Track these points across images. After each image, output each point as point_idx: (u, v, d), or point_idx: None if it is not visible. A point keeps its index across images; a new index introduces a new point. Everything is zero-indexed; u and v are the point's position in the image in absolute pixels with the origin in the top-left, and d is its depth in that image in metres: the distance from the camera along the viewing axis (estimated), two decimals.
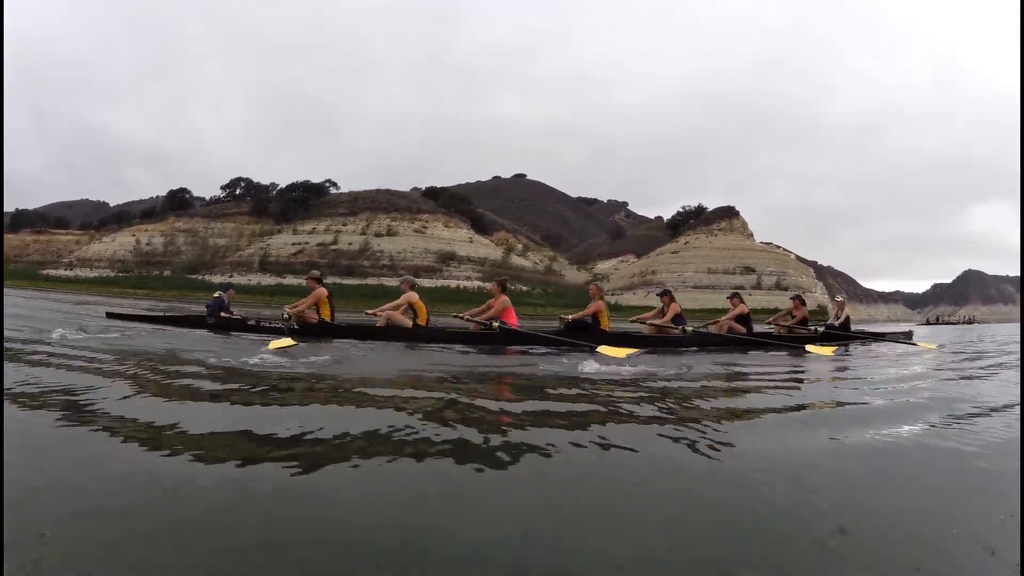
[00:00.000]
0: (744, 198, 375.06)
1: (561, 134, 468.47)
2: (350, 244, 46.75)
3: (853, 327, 10.19)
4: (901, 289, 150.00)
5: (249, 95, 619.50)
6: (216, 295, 7.98)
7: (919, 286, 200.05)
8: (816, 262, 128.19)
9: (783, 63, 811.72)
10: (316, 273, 7.44)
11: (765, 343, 7.60)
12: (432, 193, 56.96)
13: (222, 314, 7.51)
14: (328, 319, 6.98)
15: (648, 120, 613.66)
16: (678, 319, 7.43)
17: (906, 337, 9.47)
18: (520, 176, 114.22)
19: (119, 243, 57.37)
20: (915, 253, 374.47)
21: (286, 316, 6.78)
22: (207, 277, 47.46)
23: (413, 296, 6.89)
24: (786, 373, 4.83)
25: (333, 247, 46.65)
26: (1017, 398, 3.19)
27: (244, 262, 48.05)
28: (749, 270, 56.37)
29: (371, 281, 42.06)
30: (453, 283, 42.73)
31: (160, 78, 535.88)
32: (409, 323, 6.78)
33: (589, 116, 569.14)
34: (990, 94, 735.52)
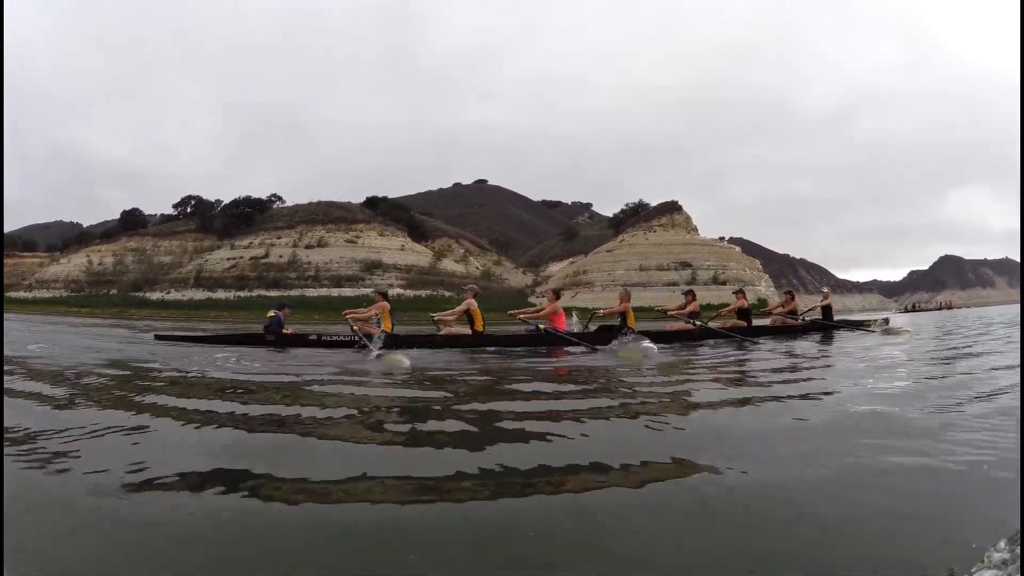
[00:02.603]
0: (716, 193, 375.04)
1: (528, 137, 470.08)
2: (280, 257, 48.27)
3: (836, 317, 11.60)
4: (878, 278, 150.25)
5: (218, 106, 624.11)
6: (272, 313, 7.82)
7: (896, 274, 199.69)
8: (788, 255, 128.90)
9: (753, 53, 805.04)
10: (383, 288, 7.96)
11: (761, 333, 9.00)
12: (372, 202, 58.44)
13: (283, 331, 7.56)
14: (390, 330, 7.28)
15: (617, 119, 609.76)
16: (693, 315, 8.89)
17: (884, 323, 10.99)
18: (481, 182, 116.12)
19: (74, 264, 59.25)
20: (892, 242, 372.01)
21: (354, 328, 7.05)
22: (147, 294, 49.19)
23: (472, 304, 7.46)
24: (783, 359, 5.70)
25: (264, 260, 48.15)
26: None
27: (182, 278, 49.67)
28: (685, 265, 57.00)
29: (294, 292, 43.49)
30: (372, 291, 44.00)
31: (129, 93, 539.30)
32: (468, 330, 7.43)
33: (556, 117, 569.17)
34: (960, 71, 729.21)
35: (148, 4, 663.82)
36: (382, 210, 57.36)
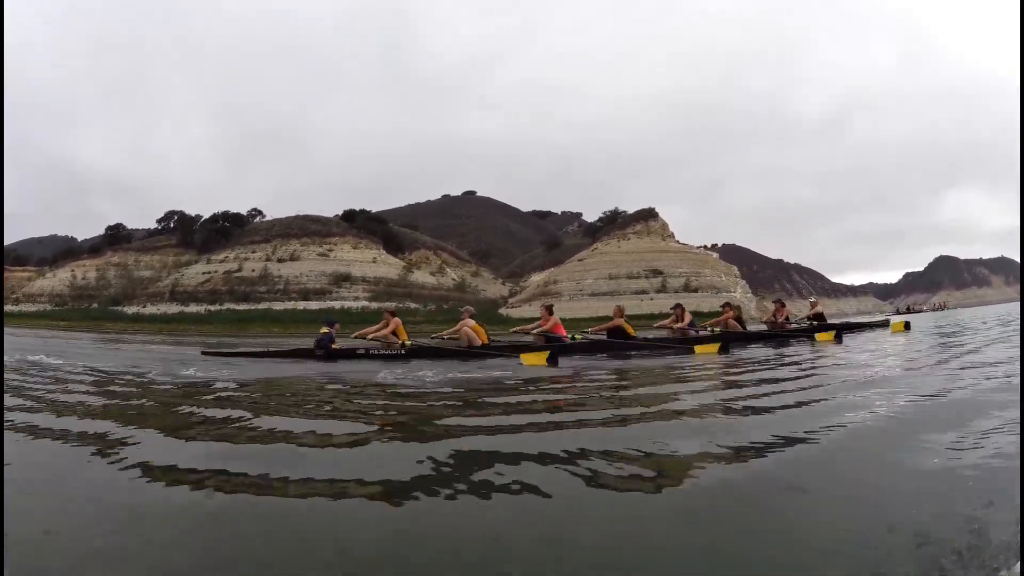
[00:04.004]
0: (712, 199, 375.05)
1: (522, 146, 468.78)
2: (252, 271, 49.12)
3: (829, 321, 12.29)
4: (873, 281, 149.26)
5: (215, 113, 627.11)
6: (325, 331, 8.09)
7: (891, 277, 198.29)
8: (781, 260, 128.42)
9: (753, 55, 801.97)
10: (391, 306, 8.59)
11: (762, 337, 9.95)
12: (349, 216, 59.33)
13: (332, 347, 7.88)
14: (407, 341, 7.79)
15: (612, 126, 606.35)
16: (691, 325, 9.60)
17: (881, 325, 12.14)
18: (470, 193, 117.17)
19: (59, 278, 60.56)
20: (888, 244, 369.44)
21: (400, 343, 7.65)
22: (124, 308, 50.26)
23: (470, 323, 8.01)
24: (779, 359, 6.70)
25: (237, 274, 49.01)
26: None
27: (159, 292, 50.72)
28: (656, 273, 56.90)
29: (262, 306, 44.29)
30: (339, 304, 44.74)
31: (128, 94, 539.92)
32: (479, 342, 7.89)
33: (551, 126, 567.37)
34: (955, 71, 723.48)
35: (148, 5, 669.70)
36: (359, 223, 58.14)
